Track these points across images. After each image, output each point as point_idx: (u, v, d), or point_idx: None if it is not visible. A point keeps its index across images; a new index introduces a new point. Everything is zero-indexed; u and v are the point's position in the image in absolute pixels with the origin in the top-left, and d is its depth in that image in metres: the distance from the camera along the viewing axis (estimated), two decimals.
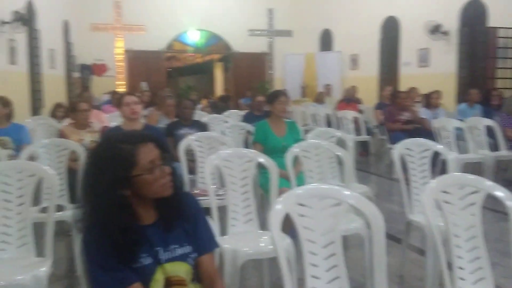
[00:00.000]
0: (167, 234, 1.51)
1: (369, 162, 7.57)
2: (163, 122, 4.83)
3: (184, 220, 1.55)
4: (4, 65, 7.55)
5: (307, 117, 9.38)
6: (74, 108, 4.23)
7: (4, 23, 7.32)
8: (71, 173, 3.45)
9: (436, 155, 3.29)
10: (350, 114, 7.90)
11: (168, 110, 5.06)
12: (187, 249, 1.53)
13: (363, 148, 8.09)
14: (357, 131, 7.80)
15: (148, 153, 1.44)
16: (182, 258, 1.51)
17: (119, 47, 12.95)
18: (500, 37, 8.40)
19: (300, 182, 3.30)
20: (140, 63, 12.98)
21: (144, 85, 12.50)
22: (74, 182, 3.37)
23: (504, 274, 3.02)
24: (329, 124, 8.33)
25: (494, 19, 8.67)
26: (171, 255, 1.49)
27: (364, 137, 7.72)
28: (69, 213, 3.20)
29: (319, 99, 10.33)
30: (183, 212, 1.54)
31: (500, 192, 1.82)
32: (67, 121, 5.21)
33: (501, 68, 8.52)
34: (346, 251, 3.40)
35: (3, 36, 7.45)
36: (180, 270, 1.50)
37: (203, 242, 1.57)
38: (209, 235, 1.62)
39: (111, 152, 1.43)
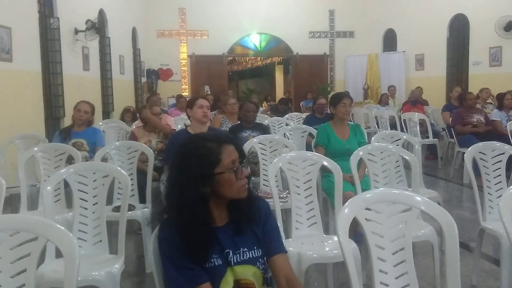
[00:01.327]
0: (237, 237, 1.53)
1: (437, 166, 7.26)
2: (226, 126, 4.92)
3: (254, 224, 1.57)
4: (79, 71, 8.02)
5: (370, 120, 9.17)
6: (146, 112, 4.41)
7: (78, 31, 7.78)
8: (141, 174, 3.59)
9: (510, 159, 3.10)
10: (416, 116, 7.64)
11: (230, 109, 5.13)
12: (256, 252, 1.54)
13: (430, 152, 7.79)
14: (424, 134, 7.52)
15: (230, 153, 1.49)
16: (252, 261, 1.52)
17: (183, 52, 13.36)
18: None
19: (365, 186, 3.24)
20: (203, 68, 13.31)
21: (206, 89, 12.79)
22: (144, 183, 3.51)
23: None
24: (392, 126, 8.10)
25: None
26: (240, 257, 1.52)
27: (431, 140, 7.43)
28: (139, 213, 3.33)
29: (382, 100, 10.08)
30: (254, 216, 1.56)
31: None
32: (135, 124, 5.45)
33: None
34: (414, 258, 3.31)
35: (78, 44, 7.92)
36: (249, 273, 1.51)
37: (273, 245, 1.58)
38: (279, 238, 1.63)
39: (198, 149, 1.49)
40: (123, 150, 3.64)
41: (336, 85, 14.10)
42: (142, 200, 3.52)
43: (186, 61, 13.38)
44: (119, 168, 2.74)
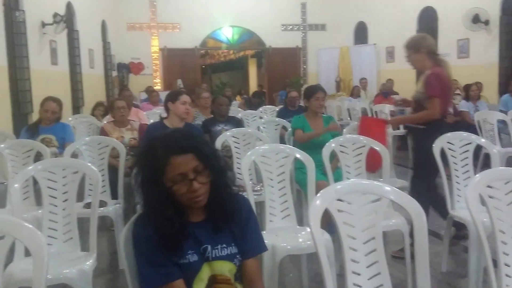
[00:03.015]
0: (215, 233, 1.51)
1: (407, 156, 7.40)
2: (199, 119, 4.89)
3: (233, 223, 1.53)
4: (47, 65, 7.82)
5: (343, 112, 9.27)
6: (112, 106, 4.33)
7: (45, 25, 7.58)
8: (112, 169, 3.54)
9: (477, 149, 3.18)
10: (387, 108, 7.76)
11: (204, 103, 5.09)
12: (234, 249, 1.53)
13: (401, 143, 7.93)
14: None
15: (179, 165, 1.41)
16: (229, 257, 1.50)
17: (155, 46, 13.19)
18: None
19: (338, 177, 3.27)
20: (175, 61, 13.18)
21: (179, 83, 12.67)
22: (115, 179, 3.47)
23: None
24: None
25: None
26: (219, 253, 1.50)
27: (402, 131, 7.56)
28: (111, 209, 3.28)
29: (354, 93, 10.20)
30: (233, 215, 1.53)
31: None
32: (106, 119, 5.35)
33: None
34: (385, 247, 3.37)
35: (45, 38, 7.71)
36: (226, 269, 1.50)
37: (250, 246, 1.55)
38: (258, 238, 1.59)
39: (148, 154, 1.46)
40: (93, 146, 3.58)
41: (309, 78, 14.18)
42: (114, 196, 3.47)
43: (157, 54, 13.22)
44: (89, 164, 2.69)
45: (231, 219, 1.52)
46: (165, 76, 13.30)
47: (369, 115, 8.28)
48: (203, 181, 1.44)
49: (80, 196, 3.37)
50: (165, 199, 1.43)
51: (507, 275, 1.75)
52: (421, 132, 3.25)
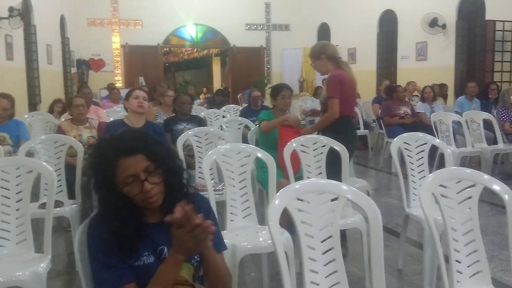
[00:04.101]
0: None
1: (368, 156, 7.58)
2: (160, 118, 4.83)
3: None
4: (2, 60, 7.52)
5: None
6: (70, 103, 4.22)
7: (1, 18, 7.29)
8: (69, 168, 3.45)
9: (434, 149, 3.29)
10: None
11: (169, 101, 5.02)
12: None
13: (361, 142, 8.09)
14: (356, 126, 7.78)
15: (129, 167, 1.38)
16: (187, 258, 1.47)
17: (116, 42, 12.94)
18: (498, 30, 8.39)
19: (299, 177, 3.30)
20: (137, 58, 12.97)
21: (141, 80, 12.49)
22: (73, 178, 3.38)
23: (501, 267, 3.04)
24: None
25: (492, 12, 8.67)
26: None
27: (362, 131, 7.73)
28: (67, 209, 3.20)
29: (317, 93, 10.31)
30: None
31: (496, 186, 1.82)
32: (64, 117, 5.21)
33: (498, 61, 8.52)
34: (343, 245, 3.43)
35: (1, 32, 7.43)
36: (184, 270, 1.48)
37: (213, 243, 1.51)
38: (218, 237, 1.58)
39: (98, 156, 1.43)
40: (49, 144, 3.47)
41: (272, 78, 14.27)
42: (71, 196, 3.38)
43: (119, 51, 12.97)
44: (44, 163, 2.61)
45: None
46: (127, 73, 13.06)
47: None
48: (156, 181, 1.42)
49: (36, 196, 3.28)
50: (119, 200, 1.41)
51: (458, 271, 1.82)
52: (330, 136, 3.33)
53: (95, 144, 1.48)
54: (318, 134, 3.48)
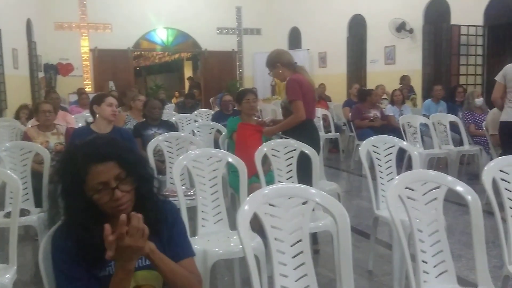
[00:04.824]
0: None
1: (339, 159, 7.67)
2: (130, 123, 4.77)
3: (160, 230, 1.49)
4: None
5: (278, 115, 9.40)
6: (37, 109, 4.13)
7: None
8: (36, 176, 3.37)
9: (403, 151, 3.36)
10: (319, 111, 7.97)
11: (140, 105, 4.95)
12: None
13: (333, 145, 8.19)
14: (327, 129, 7.89)
15: (100, 174, 1.37)
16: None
17: (85, 46, 12.71)
18: (462, 35, 8.65)
19: (270, 180, 3.32)
20: (107, 62, 12.78)
21: (111, 85, 12.32)
22: (40, 186, 3.30)
23: (468, 266, 3.12)
24: None
25: (457, 17, 8.93)
26: (143, 262, 1.46)
27: (333, 134, 7.82)
28: (34, 218, 3.12)
29: None
30: (159, 222, 1.49)
31: (460, 187, 1.88)
32: (31, 123, 5.08)
33: (464, 65, 8.78)
34: (317, 247, 3.46)
35: None
36: (152, 277, 1.47)
37: (180, 249, 1.52)
38: (184, 243, 1.57)
39: (67, 162, 1.40)
40: (15, 152, 3.38)
41: (245, 81, 14.30)
42: (38, 204, 3.30)
43: (88, 55, 12.74)
44: (9, 171, 2.54)
45: (158, 227, 1.48)
46: (96, 78, 12.85)
47: None
48: (127, 189, 1.40)
49: (1, 205, 3.19)
50: (86, 208, 1.38)
51: (425, 272, 1.86)
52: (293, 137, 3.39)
53: (64, 150, 1.45)
54: (281, 137, 3.50)
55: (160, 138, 3.76)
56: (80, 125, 5.06)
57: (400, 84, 9.05)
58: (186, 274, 1.47)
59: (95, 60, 12.79)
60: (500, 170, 2.19)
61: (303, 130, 3.42)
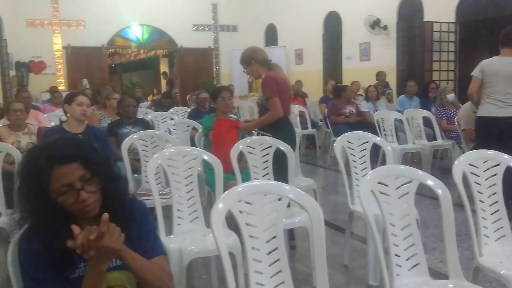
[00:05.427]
0: None
1: (316, 155, 7.73)
2: (105, 122, 4.70)
3: (129, 228, 1.48)
4: None
5: (255, 112, 9.41)
6: (8, 108, 4.03)
7: None
8: (7, 177, 3.29)
9: (378, 146, 3.41)
10: (296, 108, 8.02)
11: (115, 104, 4.89)
12: None
13: (309, 142, 8.24)
14: (304, 125, 7.93)
15: (64, 175, 1.34)
16: (126, 266, 1.45)
17: (57, 44, 12.46)
18: (435, 31, 8.79)
19: (246, 177, 3.32)
20: (81, 60, 12.55)
21: (85, 83, 12.11)
22: (11, 187, 3.22)
23: (441, 259, 3.19)
24: None
25: (429, 14, 9.08)
26: (114, 263, 1.44)
27: (310, 130, 7.87)
28: (5, 219, 3.05)
29: None
30: (127, 222, 1.47)
31: (431, 181, 1.91)
32: (2, 122, 4.96)
33: (436, 61, 8.93)
34: (293, 243, 3.48)
35: None
36: (124, 277, 1.45)
37: (149, 248, 1.51)
38: (155, 241, 1.56)
39: (29, 165, 1.37)
40: None
41: (221, 79, 14.25)
42: (10, 205, 3.22)
43: (61, 52, 12.48)
44: None
45: (126, 227, 1.46)
46: (70, 76, 12.60)
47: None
48: (92, 190, 1.38)
49: None
50: (52, 211, 1.35)
51: (397, 265, 1.89)
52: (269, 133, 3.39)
53: (26, 152, 1.42)
54: (258, 134, 3.50)
55: (135, 136, 3.72)
56: (53, 124, 4.96)
57: (376, 80, 9.16)
58: (158, 272, 1.46)
59: (68, 58, 12.55)
60: (470, 164, 2.24)
61: (279, 127, 3.43)
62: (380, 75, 9.33)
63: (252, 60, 3.58)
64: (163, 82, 18.75)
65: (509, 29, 4.15)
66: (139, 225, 1.53)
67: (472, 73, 4.24)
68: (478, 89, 4.17)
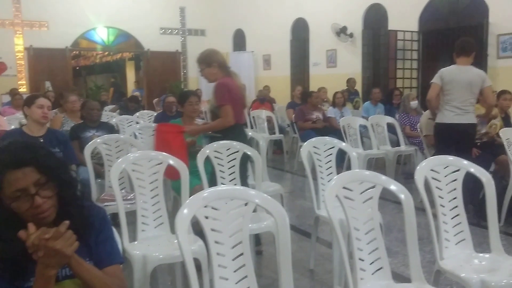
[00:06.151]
0: None
1: (283, 160, 7.77)
2: (67, 125, 4.58)
3: (86, 236, 1.44)
4: None
5: None
6: None
7: None
8: None
9: (345, 151, 3.45)
10: (264, 113, 8.05)
11: (71, 107, 4.78)
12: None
13: (277, 147, 8.28)
14: (271, 130, 7.96)
15: (18, 180, 1.30)
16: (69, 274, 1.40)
17: (19, 45, 12.08)
18: (399, 40, 9.02)
19: (213, 182, 3.30)
20: (43, 62, 12.20)
21: (48, 85, 11.79)
22: None
23: (404, 262, 3.25)
24: None
25: (393, 23, 9.31)
26: (68, 272, 1.40)
27: (277, 136, 7.91)
28: None
29: None
30: (85, 228, 1.43)
31: (393, 186, 1.95)
32: None
33: (400, 68, 9.16)
34: (260, 248, 3.47)
35: None
36: (77, 287, 1.41)
37: (105, 256, 1.47)
38: (112, 249, 1.52)
39: None
40: None
41: (189, 83, 14.15)
42: None
43: (22, 54, 12.10)
44: None
45: (84, 233, 1.42)
46: (32, 78, 12.23)
47: (247, 120, 8.49)
48: (48, 195, 1.34)
49: None
50: (4, 218, 1.30)
51: (361, 269, 1.91)
52: (219, 140, 3.32)
53: None
54: (212, 136, 3.44)
55: (99, 140, 3.65)
56: (12, 127, 4.80)
57: (346, 86, 9.30)
58: (109, 282, 1.42)
59: (30, 59, 12.18)
60: (432, 170, 2.29)
61: (230, 134, 3.34)
62: (350, 82, 9.47)
63: (214, 62, 3.47)
64: (129, 85, 18.50)
65: (464, 40, 4.33)
66: (96, 232, 1.49)
67: (432, 80, 4.38)
68: (437, 95, 4.31)
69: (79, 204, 1.44)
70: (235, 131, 3.41)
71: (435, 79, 4.31)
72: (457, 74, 4.22)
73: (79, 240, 1.34)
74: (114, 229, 1.65)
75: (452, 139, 4.24)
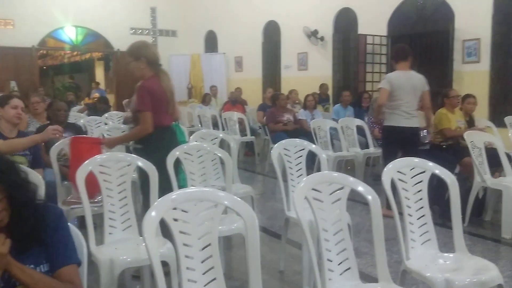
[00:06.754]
0: (21, 254, 1.36)
1: (255, 162, 7.78)
2: (33, 126, 4.46)
3: (41, 238, 1.40)
4: None
5: (194, 119, 9.35)
6: None
7: None
8: None
9: (315, 153, 3.48)
10: (235, 115, 8.04)
11: (33, 108, 4.66)
12: (44, 267, 1.39)
13: (248, 149, 8.28)
14: (243, 132, 7.96)
15: None
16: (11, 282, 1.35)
17: None
18: (368, 44, 9.17)
19: (183, 183, 3.27)
20: (8, 61, 11.83)
21: (13, 85, 11.45)
22: None
23: (372, 263, 3.28)
24: (214, 125, 8.40)
25: (363, 27, 9.46)
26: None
27: (249, 137, 7.91)
28: None
29: (205, 100, 10.37)
30: (39, 230, 1.39)
31: (361, 187, 1.98)
32: None
33: (369, 72, 9.31)
34: (230, 251, 3.47)
35: None
36: None
37: (60, 256, 1.43)
38: (68, 249, 1.48)
39: None
40: None
41: None
42: None
43: None
44: None
45: (38, 236, 1.38)
46: None
47: (219, 122, 8.47)
48: None
49: None
50: None
51: (330, 270, 1.93)
52: (142, 153, 3.02)
53: None
54: (130, 147, 3.30)
55: (65, 141, 3.56)
56: None
57: (319, 91, 9.36)
58: (56, 286, 1.38)
59: None
60: (398, 171, 2.34)
61: (150, 138, 3.13)
62: (323, 88, 9.55)
63: (143, 56, 3.15)
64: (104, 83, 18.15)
65: (399, 46, 4.64)
66: (51, 232, 1.44)
67: (380, 86, 4.53)
68: (387, 100, 4.45)
69: (32, 205, 1.40)
70: (160, 135, 3.16)
71: (384, 85, 4.45)
72: (403, 80, 4.41)
73: (34, 242, 1.30)
74: (78, 230, 1.61)
75: (399, 142, 4.48)
